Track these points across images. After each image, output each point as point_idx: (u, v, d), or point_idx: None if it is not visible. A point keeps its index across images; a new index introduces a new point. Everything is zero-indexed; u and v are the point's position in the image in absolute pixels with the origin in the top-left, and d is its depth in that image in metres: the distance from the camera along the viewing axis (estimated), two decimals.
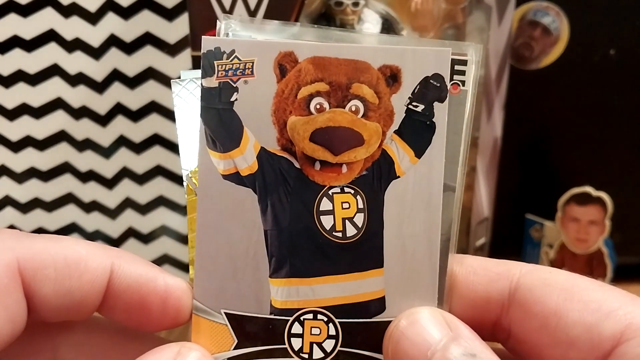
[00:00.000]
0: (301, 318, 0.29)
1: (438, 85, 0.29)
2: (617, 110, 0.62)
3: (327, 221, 0.29)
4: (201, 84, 0.29)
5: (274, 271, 0.29)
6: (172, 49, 0.54)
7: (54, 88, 0.55)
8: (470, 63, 0.29)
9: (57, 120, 0.56)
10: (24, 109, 0.55)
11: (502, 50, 0.62)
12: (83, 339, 0.31)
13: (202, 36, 0.29)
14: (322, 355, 0.29)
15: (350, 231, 0.29)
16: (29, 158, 0.57)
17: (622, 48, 0.61)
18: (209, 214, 0.29)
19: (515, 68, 0.62)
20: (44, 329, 0.30)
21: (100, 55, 0.54)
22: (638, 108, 0.62)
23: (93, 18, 0.53)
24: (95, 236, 0.59)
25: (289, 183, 0.29)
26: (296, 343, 0.29)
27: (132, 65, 0.55)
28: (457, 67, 0.29)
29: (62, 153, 0.57)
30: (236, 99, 0.29)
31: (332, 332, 0.29)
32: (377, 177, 0.29)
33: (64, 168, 0.57)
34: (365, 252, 0.29)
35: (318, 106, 0.29)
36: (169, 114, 0.56)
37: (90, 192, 0.58)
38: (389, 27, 0.55)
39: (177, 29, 0.54)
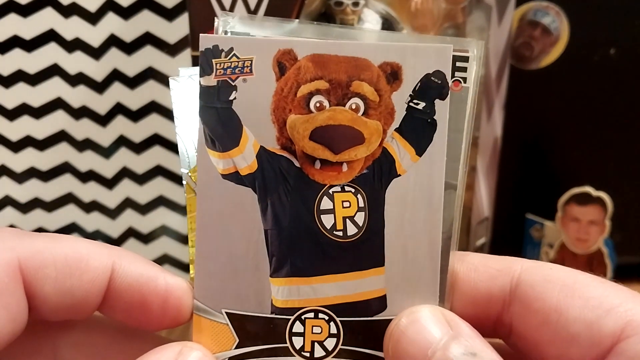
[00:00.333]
0: (302, 317, 0.29)
1: (439, 82, 0.28)
2: (617, 110, 0.62)
3: (327, 220, 0.29)
4: (199, 82, 0.29)
5: (275, 270, 0.29)
6: (172, 49, 0.54)
7: (54, 88, 0.55)
8: (471, 59, 0.29)
9: (57, 120, 0.56)
10: (24, 109, 0.55)
11: (502, 50, 0.62)
12: (83, 338, 0.31)
13: (200, 34, 0.29)
14: (324, 353, 0.29)
15: (351, 230, 0.29)
16: (29, 158, 0.56)
17: (622, 48, 0.61)
18: (209, 214, 0.29)
19: (515, 68, 0.62)
20: (45, 328, 0.30)
21: (100, 55, 0.54)
22: (638, 108, 0.62)
23: (93, 18, 0.53)
24: (95, 236, 0.59)
25: (289, 182, 0.29)
26: (297, 342, 0.29)
27: (132, 65, 0.55)
28: (458, 64, 0.29)
29: (62, 153, 0.57)
30: (235, 98, 0.29)
31: (334, 330, 0.29)
32: (377, 176, 0.29)
33: (64, 168, 0.57)
34: (366, 251, 0.29)
35: (318, 104, 0.29)
36: (169, 114, 0.56)
37: (90, 192, 0.58)
38: (389, 27, 0.55)
39: (177, 29, 0.54)
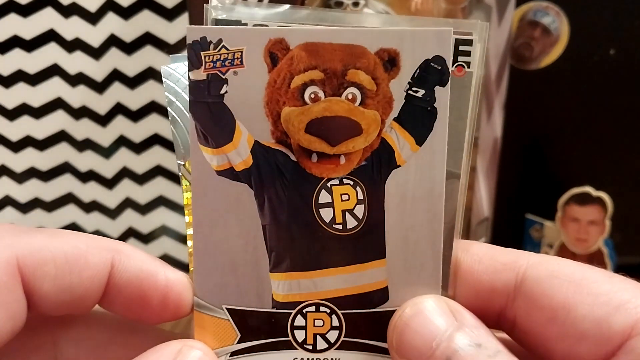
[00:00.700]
0: (304, 311, 0.29)
1: (439, 68, 0.27)
2: (617, 110, 0.62)
3: (326, 214, 0.28)
4: (188, 77, 0.28)
5: (274, 266, 0.29)
6: (172, 49, 0.54)
7: (54, 88, 0.55)
8: (475, 43, 0.28)
9: (57, 120, 0.56)
10: (24, 109, 0.55)
11: (502, 50, 0.62)
12: (83, 333, 0.31)
13: (187, 26, 0.28)
14: (327, 345, 0.29)
15: (351, 223, 0.28)
16: (29, 158, 0.57)
17: (622, 48, 0.61)
18: (205, 211, 0.29)
19: (515, 68, 0.62)
20: (44, 324, 0.30)
21: (100, 55, 0.54)
22: (638, 108, 0.62)
23: (93, 18, 0.53)
24: None
25: (285, 177, 0.28)
26: (300, 335, 0.29)
27: (132, 65, 0.55)
28: (461, 48, 0.27)
29: (62, 153, 0.57)
30: (226, 92, 0.28)
31: (336, 323, 0.29)
32: (376, 167, 0.28)
33: (64, 168, 0.57)
34: (366, 243, 0.28)
35: (313, 95, 0.28)
36: (168, 114, 0.56)
37: (90, 192, 0.58)
38: None
39: (177, 29, 0.54)
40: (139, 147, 0.57)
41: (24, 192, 0.57)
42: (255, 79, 0.28)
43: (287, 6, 0.28)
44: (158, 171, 0.58)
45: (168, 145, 0.57)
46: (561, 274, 0.27)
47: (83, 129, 0.56)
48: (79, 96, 0.55)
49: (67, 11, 0.53)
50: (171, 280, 0.29)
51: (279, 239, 0.29)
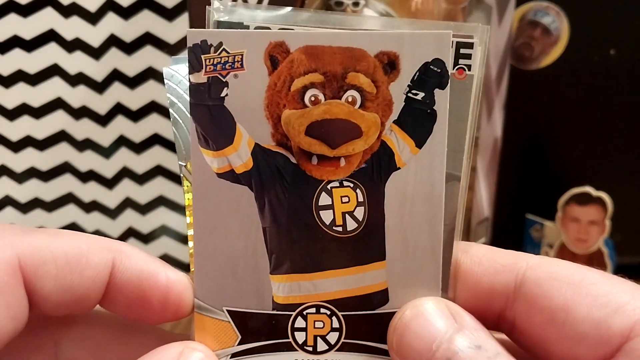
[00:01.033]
0: (304, 312, 0.29)
1: (439, 71, 0.27)
2: (617, 110, 0.62)
3: (326, 216, 0.29)
4: (189, 80, 0.28)
5: (275, 268, 0.29)
6: (172, 49, 0.54)
7: (54, 88, 0.55)
8: (476, 46, 0.28)
9: (57, 120, 0.56)
10: (24, 109, 0.55)
11: (502, 50, 0.62)
12: (84, 333, 0.31)
13: (187, 29, 0.28)
14: (327, 347, 0.29)
15: (351, 225, 0.29)
16: (29, 158, 0.57)
17: (622, 48, 0.61)
18: (205, 213, 0.29)
19: (515, 68, 0.62)
20: (45, 324, 0.30)
21: (100, 55, 0.54)
22: (638, 108, 0.62)
23: (93, 18, 0.53)
24: None
25: (285, 179, 0.29)
26: (300, 337, 0.29)
27: (132, 65, 0.55)
28: (462, 51, 0.28)
29: (62, 153, 0.57)
30: (227, 94, 0.28)
31: (336, 324, 0.29)
32: (376, 170, 0.28)
33: (64, 168, 0.57)
34: (366, 245, 0.29)
35: (313, 98, 0.28)
36: (168, 114, 0.56)
37: (90, 192, 0.58)
38: None
39: (177, 29, 0.54)
40: (139, 147, 0.57)
41: (24, 192, 0.57)
42: (255, 82, 0.28)
43: (288, 9, 0.28)
44: (158, 171, 0.58)
45: (168, 145, 0.57)
46: (560, 276, 0.27)
47: (83, 129, 0.56)
48: (79, 96, 0.55)
49: (67, 11, 0.53)
50: (172, 281, 0.29)
51: (279, 241, 0.29)
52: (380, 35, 0.28)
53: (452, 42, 0.28)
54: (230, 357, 0.29)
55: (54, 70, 0.55)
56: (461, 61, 0.28)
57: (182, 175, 0.30)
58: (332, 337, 0.29)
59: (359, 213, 0.29)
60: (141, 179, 0.58)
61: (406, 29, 0.28)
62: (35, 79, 0.55)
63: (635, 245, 0.65)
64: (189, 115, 0.28)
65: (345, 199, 0.29)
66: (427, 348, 0.26)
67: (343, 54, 0.28)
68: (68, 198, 0.58)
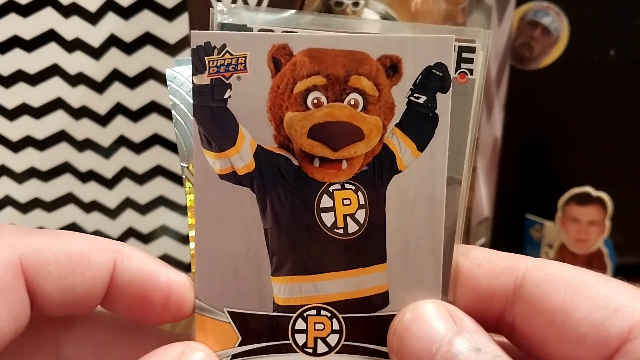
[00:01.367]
0: (304, 314, 0.29)
1: (441, 74, 0.27)
2: (617, 111, 0.62)
3: (328, 218, 0.29)
4: (192, 81, 0.28)
5: (276, 269, 0.29)
6: (172, 49, 0.54)
7: (54, 88, 0.55)
8: (478, 50, 0.28)
9: (57, 120, 0.56)
10: (24, 109, 0.55)
11: (502, 50, 0.62)
12: (86, 333, 0.31)
13: (191, 31, 0.28)
14: (327, 349, 0.29)
15: (352, 227, 0.29)
16: (29, 158, 0.56)
17: (622, 48, 0.61)
18: (207, 214, 0.29)
19: (515, 68, 0.62)
20: (47, 324, 0.30)
21: (100, 55, 0.54)
22: (638, 108, 0.62)
23: (93, 18, 0.53)
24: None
25: (287, 181, 0.29)
26: (300, 338, 0.29)
27: (132, 65, 0.55)
28: (464, 55, 0.28)
29: (62, 153, 0.57)
30: (230, 96, 0.28)
31: (336, 327, 0.29)
32: (378, 172, 0.29)
33: (64, 168, 0.57)
34: (367, 248, 0.29)
35: (315, 101, 0.28)
36: (169, 114, 0.56)
37: (90, 192, 0.58)
38: None
39: (177, 29, 0.54)
40: (139, 147, 0.57)
41: (24, 192, 0.57)
42: (258, 84, 0.28)
43: (292, 11, 0.29)
44: (158, 171, 0.57)
45: (168, 145, 0.57)
46: (559, 278, 0.27)
47: (83, 129, 0.56)
48: (79, 96, 0.55)
49: (67, 11, 0.53)
50: (173, 281, 0.29)
51: (280, 242, 0.29)
52: (383, 39, 0.28)
53: (455, 46, 0.28)
54: (231, 358, 0.29)
55: (54, 70, 0.54)
56: (463, 65, 0.28)
57: (184, 176, 0.30)
58: (332, 339, 0.29)
59: (360, 215, 0.29)
60: (141, 179, 0.58)
61: (409, 33, 0.29)
62: (35, 79, 0.55)
63: (635, 245, 0.65)
64: (191, 117, 0.29)
65: (346, 202, 0.29)
66: (426, 350, 0.27)
67: (346, 57, 0.28)
68: (68, 198, 0.58)
